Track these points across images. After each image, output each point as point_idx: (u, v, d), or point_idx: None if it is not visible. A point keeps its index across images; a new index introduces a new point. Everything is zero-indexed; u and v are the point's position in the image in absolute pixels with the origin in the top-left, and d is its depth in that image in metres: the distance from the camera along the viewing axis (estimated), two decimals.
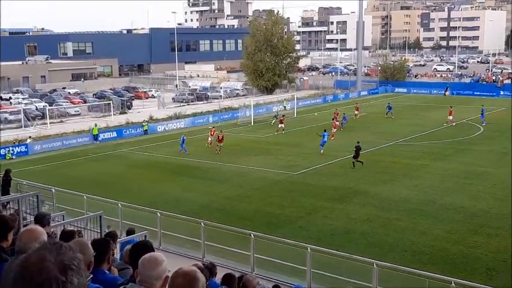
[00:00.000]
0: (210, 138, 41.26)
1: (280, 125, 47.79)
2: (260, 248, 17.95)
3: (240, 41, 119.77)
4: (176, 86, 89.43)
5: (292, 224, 23.75)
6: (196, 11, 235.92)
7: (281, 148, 40.88)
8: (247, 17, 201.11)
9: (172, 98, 73.09)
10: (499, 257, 19.58)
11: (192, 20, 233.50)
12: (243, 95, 79.10)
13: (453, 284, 13.48)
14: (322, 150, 38.01)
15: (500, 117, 54.48)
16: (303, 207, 26.09)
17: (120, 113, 60.01)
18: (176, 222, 21.30)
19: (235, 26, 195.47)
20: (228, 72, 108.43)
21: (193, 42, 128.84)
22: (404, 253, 20.24)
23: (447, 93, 77.31)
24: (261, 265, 17.81)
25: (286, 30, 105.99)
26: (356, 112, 55.03)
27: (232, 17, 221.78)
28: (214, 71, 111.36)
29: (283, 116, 50.46)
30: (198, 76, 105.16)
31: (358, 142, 35.07)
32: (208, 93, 77.48)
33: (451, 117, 50.15)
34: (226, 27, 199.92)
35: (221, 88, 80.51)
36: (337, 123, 46.99)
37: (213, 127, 44.01)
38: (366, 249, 20.41)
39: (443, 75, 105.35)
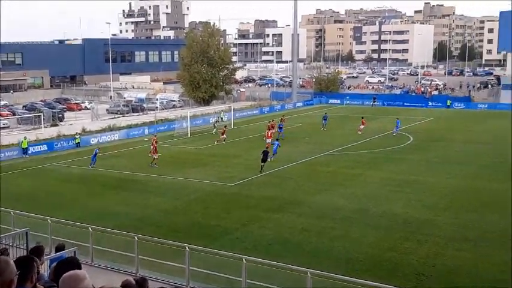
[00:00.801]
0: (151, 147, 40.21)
1: (222, 136, 47.91)
2: (196, 261, 17.75)
3: (176, 52, 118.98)
4: (111, 97, 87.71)
5: (229, 236, 23.66)
6: (132, 22, 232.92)
7: (218, 159, 40.79)
8: (184, 29, 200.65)
9: (107, 110, 71.61)
10: (428, 262, 20.22)
11: (127, 31, 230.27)
12: (180, 107, 78.58)
13: None
14: (272, 158, 38.47)
15: (429, 128, 56.63)
16: (240, 218, 26.06)
17: (51, 126, 58.17)
18: (109, 237, 20.75)
19: (172, 37, 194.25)
20: (164, 83, 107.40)
21: (129, 53, 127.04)
22: (338, 261, 20.55)
23: (375, 103, 79.55)
24: (197, 278, 17.61)
25: (222, 42, 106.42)
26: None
27: (168, 28, 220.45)
28: (150, 82, 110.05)
29: (225, 126, 50.55)
30: (134, 87, 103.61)
31: (267, 147, 37.72)
32: (144, 105, 76.42)
33: (362, 127, 52.04)
34: (162, 38, 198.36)
35: (157, 99, 79.60)
36: (272, 131, 47.62)
37: (155, 135, 43.47)
38: (302, 258, 20.57)
39: (374, 86, 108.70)
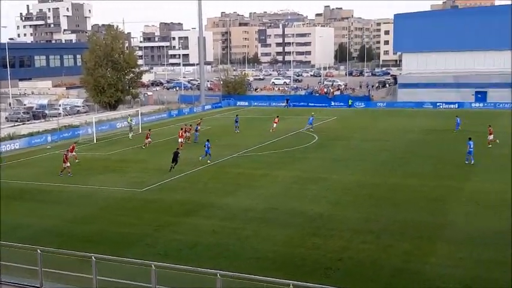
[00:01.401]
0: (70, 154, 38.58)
1: (146, 140, 47.63)
2: (105, 270, 17.28)
3: (79, 56, 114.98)
4: (10, 104, 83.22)
5: (139, 242, 23.26)
6: (30, 26, 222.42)
7: (127, 165, 39.94)
8: (86, 32, 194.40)
9: (6, 118, 67.97)
10: (335, 257, 20.99)
11: (25, 34, 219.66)
12: (85, 112, 76.17)
13: (291, 286, 14.12)
14: (202, 159, 39.94)
15: (332, 127, 58.65)
16: (150, 224, 25.70)
17: None
18: (14, 252, 19.69)
19: (74, 41, 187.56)
20: (67, 88, 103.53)
21: (28, 58, 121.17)
22: (249, 260, 20.84)
23: (288, 105, 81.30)
24: None
25: (127, 45, 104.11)
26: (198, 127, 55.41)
27: (70, 32, 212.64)
28: (52, 87, 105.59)
29: (149, 130, 50.69)
30: (34, 93, 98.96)
31: (177, 148, 39.85)
32: (46, 111, 73.20)
33: (275, 125, 54.64)
34: (63, 42, 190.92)
35: (60, 105, 76.50)
36: (188, 134, 48.41)
37: (75, 142, 42.33)
38: (213, 261, 20.68)
39: (280, 88, 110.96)
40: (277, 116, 56.85)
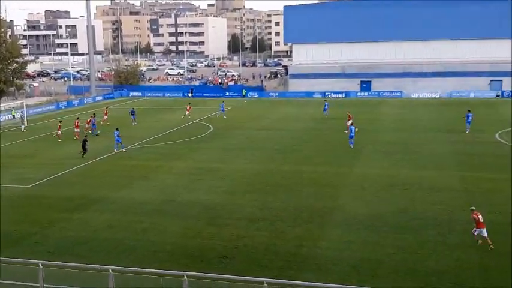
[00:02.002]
0: None
1: (58, 132, 45.42)
2: None
3: None
4: None
5: (26, 241, 22.07)
6: None
7: (12, 160, 37.61)
8: None
9: None
10: (230, 245, 21.20)
11: None
12: None
13: (185, 278, 14.09)
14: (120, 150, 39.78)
15: (227, 117, 58.93)
16: (39, 221, 24.45)
17: None
18: None
19: None
20: None
21: None
22: (145, 253, 20.50)
23: (192, 95, 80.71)
24: None
25: (10, 33, 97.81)
26: (105, 117, 53.91)
27: None
28: None
29: (60, 121, 47.34)
30: None
31: (86, 136, 39.90)
32: None
33: (187, 113, 56.98)
34: None
35: None
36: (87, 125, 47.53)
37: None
38: (108, 255, 20.13)
39: (174, 78, 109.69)
40: (189, 104, 59.42)
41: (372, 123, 52.09)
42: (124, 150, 40.14)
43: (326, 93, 78.21)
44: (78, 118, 47.85)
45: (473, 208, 20.86)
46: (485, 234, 19.97)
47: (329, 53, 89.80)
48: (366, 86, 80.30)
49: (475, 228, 20.37)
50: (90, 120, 48.86)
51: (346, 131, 43.63)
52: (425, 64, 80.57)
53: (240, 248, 20.96)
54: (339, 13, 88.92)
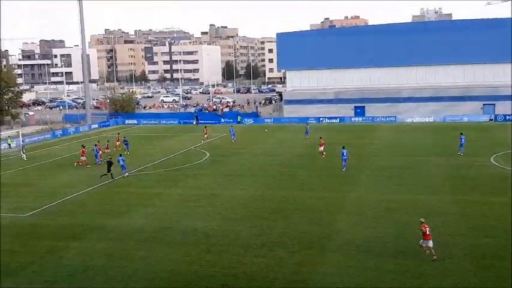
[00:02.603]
0: None
1: (82, 158, 45.93)
2: None
3: None
4: None
5: (24, 271, 21.83)
6: None
7: (7, 190, 37.41)
8: None
9: None
10: (230, 272, 21.04)
11: None
12: None
13: None
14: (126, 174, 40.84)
15: (223, 143, 59.06)
16: (35, 250, 24.23)
17: None
18: None
19: None
20: None
21: None
22: (143, 281, 20.32)
23: (198, 122, 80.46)
24: None
25: (5, 63, 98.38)
26: (117, 143, 54.57)
27: None
28: None
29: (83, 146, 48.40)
30: None
31: (110, 157, 41.59)
32: None
33: (206, 136, 59.82)
34: None
35: None
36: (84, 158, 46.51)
37: None
38: (106, 284, 19.94)
39: (170, 105, 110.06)
40: (206, 127, 62.39)
41: (367, 147, 52.26)
42: (126, 175, 40.50)
43: (320, 119, 78.55)
44: (83, 146, 47.88)
45: (423, 220, 22.16)
46: (431, 245, 21.51)
47: (322, 78, 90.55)
48: (359, 111, 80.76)
49: (422, 240, 21.77)
50: (109, 145, 51.62)
51: (323, 157, 45.84)
52: (418, 89, 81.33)
53: (239, 275, 20.80)
54: (331, 40, 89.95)
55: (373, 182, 36.62)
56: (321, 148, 46.84)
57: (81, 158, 45.62)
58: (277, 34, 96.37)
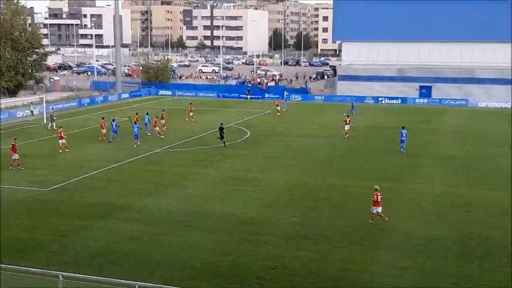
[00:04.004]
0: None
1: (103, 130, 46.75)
2: (3, 281, 16.68)
3: None
4: None
5: (43, 250, 22.59)
6: None
7: (29, 161, 38.54)
8: None
9: None
10: (268, 265, 21.21)
11: None
12: None
13: None
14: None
15: (266, 121, 59.16)
16: (57, 228, 25.01)
17: None
18: None
19: None
20: None
21: None
22: (172, 270, 20.71)
23: (250, 96, 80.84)
24: None
25: (30, 22, 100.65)
26: (162, 121, 53.48)
27: None
28: None
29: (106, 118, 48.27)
30: None
31: (221, 124, 45.12)
32: None
33: (278, 108, 64.18)
34: None
35: None
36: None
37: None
38: (131, 270, 20.42)
39: (208, 76, 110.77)
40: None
41: (431, 134, 51.45)
42: (135, 146, 43.30)
43: (379, 99, 77.65)
44: (103, 118, 48.79)
45: (377, 188, 26.12)
46: (380, 210, 25.82)
47: (384, 52, 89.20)
48: (425, 91, 79.30)
49: (372, 207, 25.88)
50: (163, 116, 52.75)
51: (345, 135, 48.61)
52: (495, 69, 79.07)
53: (278, 269, 20.95)
54: (397, 8, 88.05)
55: (437, 173, 36.11)
56: (346, 127, 48.93)
57: (102, 131, 46.15)
58: (335, 0, 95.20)
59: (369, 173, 36.05)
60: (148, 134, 47.89)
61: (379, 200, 25.75)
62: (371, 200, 26.21)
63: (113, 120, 45.95)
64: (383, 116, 62.96)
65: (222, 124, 45.09)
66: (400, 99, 77.46)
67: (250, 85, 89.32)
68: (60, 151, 41.45)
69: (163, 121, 52.45)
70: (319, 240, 23.84)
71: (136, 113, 51.11)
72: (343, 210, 28.05)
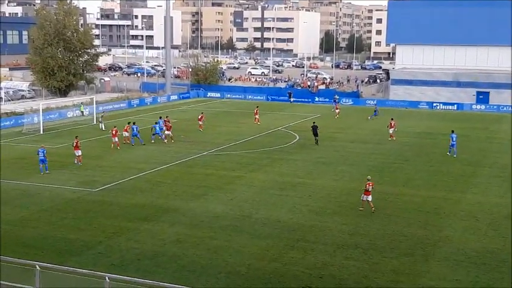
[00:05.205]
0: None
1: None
2: (49, 281, 17.03)
3: (25, 32, 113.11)
4: None
5: (90, 250, 22.97)
6: None
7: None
8: (34, 5, 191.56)
9: None
10: (315, 273, 21.03)
11: None
12: (30, 98, 75.24)
13: None
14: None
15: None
16: (103, 229, 25.42)
17: None
18: None
19: (19, 15, 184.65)
20: (10, 69, 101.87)
21: None
22: (218, 275, 20.75)
23: (291, 99, 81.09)
24: None
25: (82, 22, 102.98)
26: (200, 122, 53.72)
27: (15, 4, 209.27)
28: None
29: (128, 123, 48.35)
30: None
31: (314, 123, 48.33)
32: None
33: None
34: (7, 15, 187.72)
35: (1, 89, 75.22)
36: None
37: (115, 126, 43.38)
38: (176, 274, 20.56)
39: (258, 79, 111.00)
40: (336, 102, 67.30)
41: (488, 142, 50.21)
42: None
43: (434, 104, 76.22)
44: (129, 123, 48.51)
45: (369, 178, 29.04)
46: (370, 199, 28.35)
47: (440, 56, 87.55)
48: (483, 98, 77.40)
49: (363, 195, 28.49)
50: (201, 118, 53.08)
51: (390, 138, 49.70)
52: None
53: (325, 278, 20.75)
54: (454, 10, 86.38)
55: (494, 184, 35.15)
56: (391, 130, 50.11)
57: (125, 133, 45.85)
58: (389, 2, 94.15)
59: (422, 182, 35.39)
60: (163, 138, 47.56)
61: (370, 189, 28.41)
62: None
63: (133, 123, 46.49)
64: (437, 122, 61.72)
65: (314, 123, 48.27)
66: (456, 105, 75.83)
67: (289, 87, 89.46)
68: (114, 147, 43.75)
69: (201, 123, 53.05)
70: (368, 249, 23.50)
71: (167, 116, 50.78)
72: (395, 219, 27.58)
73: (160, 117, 50.22)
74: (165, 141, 46.58)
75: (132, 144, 45.36)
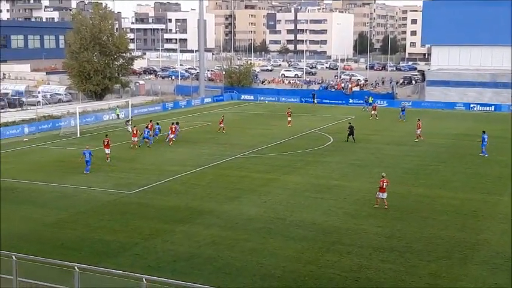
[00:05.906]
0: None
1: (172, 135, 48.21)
2: (87, 282, 17.26)
3: (61, 37, 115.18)
4: None
5: (126, 252, 23.24)
6: (7, 1, 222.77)
7: (113, 164, 39.94)
8: (70, 10, 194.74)
9: None
10: (351, 276, 20.91)
11: (0, 11, 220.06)
12: (67, 101, 76.49)
13: None
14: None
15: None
16: (140, 231, 25.68)
17: None
18: None
19: (56, 20, 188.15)
20: (47, 73, 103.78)
21: (3, 38, 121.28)
22: (253, 277, 20.79)
23: (315, 100, 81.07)
24: None
25: (117, 26, 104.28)
26: (220, 125, 54.50)
27: (52, 9, 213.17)
28: (30, 72, 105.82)
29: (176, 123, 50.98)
30: (10, 78, 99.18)
31: (350, 123, 50.44)
32: (23, 99, 73.46)
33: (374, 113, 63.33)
34: (44, 20, 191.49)
35: (39, 92, 76.69)
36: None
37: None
38: (212, 276, 20.66)
39: (291, 81, 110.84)
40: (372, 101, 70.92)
41: None
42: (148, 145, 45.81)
43: (471, 105, 75.11)
44: (151, 121, 49.56)
45: (384, 175, 29.56)
46: (384, 197, 28.97)
47: (477, 57, 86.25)
48: None
49: (378, 192, 29.10)
50: (222, 120, 53.90)
51: (417, 140, 49.84)
52: None
53: (362, 281, 20.62)
54: (490, 10, 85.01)
55: None
56: (418, 131, 50.57)
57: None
58: (424, 2, 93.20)
59: (460, 184, 34.93)
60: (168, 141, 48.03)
61: (385, 186, 28.74)
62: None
63: (146, 127, 47.21)
64: (474, 124, 60.75)
65: (350, 123, 50.19)
66: (493, 106, 74.59)
67: (323, 88, 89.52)
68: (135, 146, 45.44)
69: (222, 125, 53.59)
70: (405, 252, 23.27)
71: (151, 121, 51.03)
72: (431, 222, 27.25)
73: (157, 123, 51.07)
74: (170, 143, 47.30)
75: (139, 145, 46.09)
